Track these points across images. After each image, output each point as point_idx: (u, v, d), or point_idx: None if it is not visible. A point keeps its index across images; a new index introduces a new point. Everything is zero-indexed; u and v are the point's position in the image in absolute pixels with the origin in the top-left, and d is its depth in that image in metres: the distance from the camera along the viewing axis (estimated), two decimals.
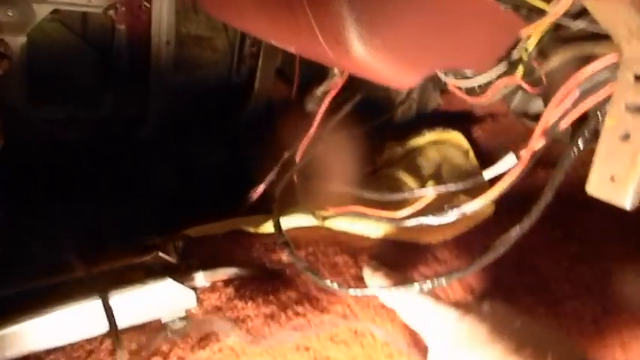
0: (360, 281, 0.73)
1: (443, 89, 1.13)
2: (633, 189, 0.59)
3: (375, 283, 0.65)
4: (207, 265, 0.71)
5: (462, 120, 1.08)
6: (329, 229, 0.84)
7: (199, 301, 0.67)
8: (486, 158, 0.95)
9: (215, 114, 1.23)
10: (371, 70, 0.51)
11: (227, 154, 1.19)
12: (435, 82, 1.12)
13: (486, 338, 0.51)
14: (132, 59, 1.10)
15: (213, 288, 0.70)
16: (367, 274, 0.68)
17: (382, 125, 1.14)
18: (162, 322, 0.65)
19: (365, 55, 0.49)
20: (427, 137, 1.03)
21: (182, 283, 0.66)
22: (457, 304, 0.58)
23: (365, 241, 0.81)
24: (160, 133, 1.16)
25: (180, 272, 0.68)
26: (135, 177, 1.10)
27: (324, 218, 0.83)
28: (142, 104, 1.15)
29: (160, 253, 0.71)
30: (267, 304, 0.68)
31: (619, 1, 0.48)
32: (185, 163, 1.15)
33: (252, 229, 0.83)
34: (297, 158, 0.94)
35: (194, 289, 0.67)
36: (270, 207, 0.87)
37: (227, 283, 0.71)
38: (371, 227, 0.81)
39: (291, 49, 0.68)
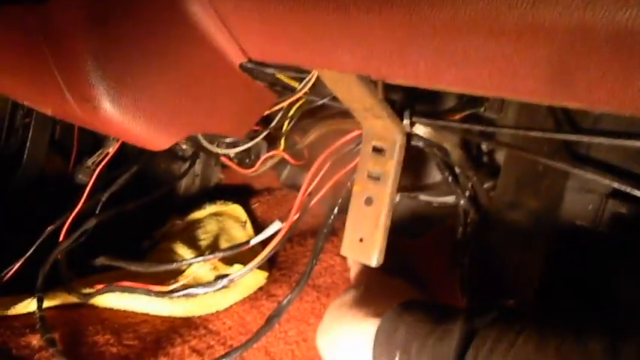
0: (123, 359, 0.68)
1: (224, 165, 1.16)
2: (378, 248, 0.65)
3: None
4: None
5: (241, 194, 1.11)
6: (93, 307, 0.77)
7: None
8: (263, 229, 0.97)
9: None
10: (121, 129, 0.50)
11: None
12: (216, 158, 1.15)
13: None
14: None
15: None
16: None
17: (164, 199, 1.12)
18: None
19: (114, 113, 0.48)
20: (207, 210, 1.03)
21: None
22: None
23: (132, 317, 0.76)
24: None
25: None
26: None
27: (89, 295, 0.77)
28: None
29: None
30: None
31: (353, 83, 0.55)
32: None
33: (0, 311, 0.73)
34: (63, 233, 0.87)
35: None
36: (26, 287, 0.79)
37: None
38: (139, 302, 0.77)
39: (47, 112, 0.64)
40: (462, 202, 0.71)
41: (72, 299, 0.77)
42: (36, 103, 0.64)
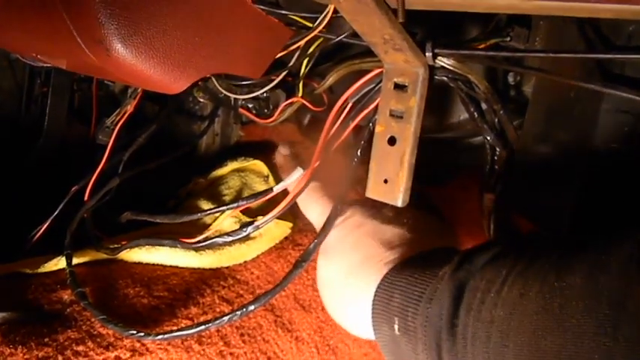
0: (153, 310, 0.69)
1: (243, 122, 1.15)
2: (403, 188, 0.64)
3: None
4: None
5: (262, 149, 1.10)
6: (122, 262, 0.78)
7: None
8: None
9: (3, 155, 1.11)
10: (135, 72, 0.49)
11: (15, 195, 1.07)
12: (235, 115, 1.14)
13: (360, 220, 0.65)
14: None
15: None
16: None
17: (186, 159, 1.12)
18: None
19: (126, 55, 0.47)
20: (229, 166, 1.03)
21: None
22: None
23: (161, 270, 0.77)
24: None
25: None
26: None
27: (117, 250, 0.77)
28: None
29: None
30: (41, 347, 0.60)
31: (371, 12, 0.52)
32: None
33: (29, 270, 0.74)
34: (87, 193, 0.87)
35: None
36: (54, 248, 0.80)
37: None
38: (167, 255, 0.77)
39: (62, 64, 0.63)
40: (488, 138, 0.69)
41: (101, 256, 0.78)
42: (50, 56, 0.63)
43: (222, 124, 1.16)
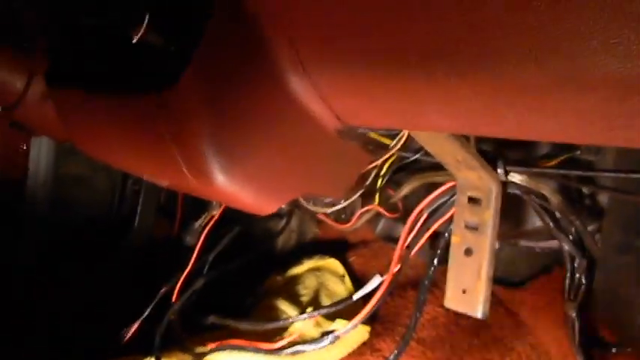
0: None
1: (319, 220, 1.20)
2: (482, 299, 0.65)
3: None
4: None
5: (338, 247, 1.13)
6: None
7: None
8: (361, 282, 0.99)
9: (94, 251, 1.20)
10: (232, 197, 0.54)
11: (104, 292, 1.14)
12: (311, 214, 1.19)
13: None
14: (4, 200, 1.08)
15: None
16: None
17: (263, 256, 1.16)
18: None
19: (226, 185, 0.53)
20: (305, 265, 1.07)
21: None
22: None
23: None
24: (36, 272, 1.11)
25: None
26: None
27: (203, 355, 0.81)
28: (12, 246, 1.10)
29: None
30: None
31: (444, 138, 0.56)
32: (61, 299, 1.09)
33: None
34: (175, 294, 0.93)
35: None
36: (143, 346, 0.84)
37: None
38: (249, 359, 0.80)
39: (164, 184, 0.71)
40: (566, 247, 0.69)
41: (187, 358, 0.81)
42: (154, 177, 0.70)
43: (299, 221, 1.22)
